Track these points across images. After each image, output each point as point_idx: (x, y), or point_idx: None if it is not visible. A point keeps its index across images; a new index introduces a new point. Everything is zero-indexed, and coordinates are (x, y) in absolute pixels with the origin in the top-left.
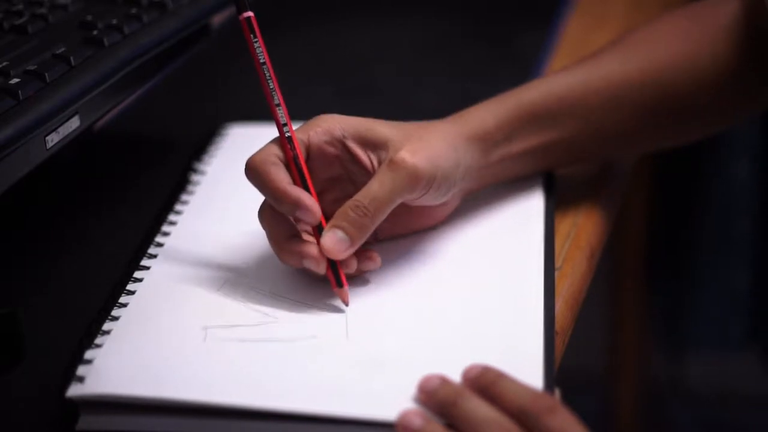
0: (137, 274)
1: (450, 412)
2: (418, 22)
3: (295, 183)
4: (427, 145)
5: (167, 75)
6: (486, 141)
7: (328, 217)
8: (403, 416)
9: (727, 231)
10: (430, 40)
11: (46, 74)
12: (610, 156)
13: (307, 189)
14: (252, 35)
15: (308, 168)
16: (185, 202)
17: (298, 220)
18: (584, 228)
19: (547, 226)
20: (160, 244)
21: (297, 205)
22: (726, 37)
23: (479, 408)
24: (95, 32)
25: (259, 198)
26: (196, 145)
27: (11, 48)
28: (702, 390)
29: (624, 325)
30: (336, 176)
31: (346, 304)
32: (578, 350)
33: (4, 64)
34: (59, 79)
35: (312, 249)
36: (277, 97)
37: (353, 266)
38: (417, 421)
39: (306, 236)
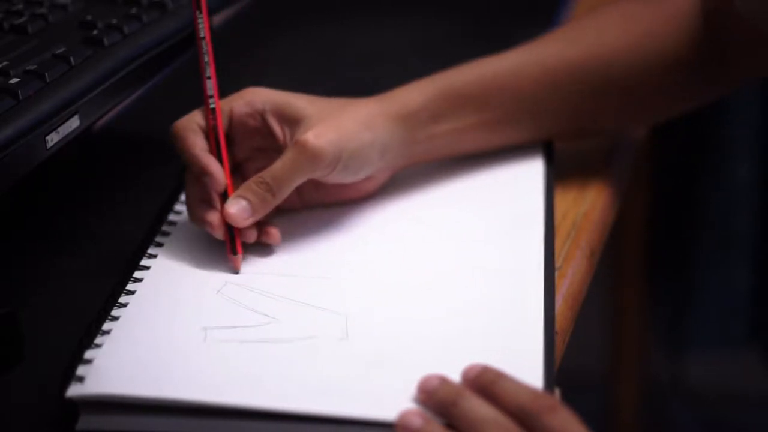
0: (137, 274)
1: (450, 412)
2: (418, 22)
3: (211, 151)
4: (337, 126)
5: (167, 75)
6: (410, 120)
7: None
8: (403, 416)
9: (727, 230)
10: (430, 40)
11: (46, 74)
12: (549, 138)
13: (220, 158)
14: (198, 11)
15: (231, 138)
16: (185, 202)
17: (207, 185)
18: (584, 228)
19: (547, 225)
20: (160, 244)
21: (204, 171)
22: (681, 21)
23: (479, 408)
24: (95, 32)
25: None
26: None
27: (11, 48)
28: (702, 390)
29: (624, 325)
30: (260, 146)
31: (237, 272)
32: (578, 350)
33: (4, 64)
34: (59, 79)
35: (214, 216)
36: (209, 71)
37: (252, 237)
38: (417, 421)
39: (216, 203)
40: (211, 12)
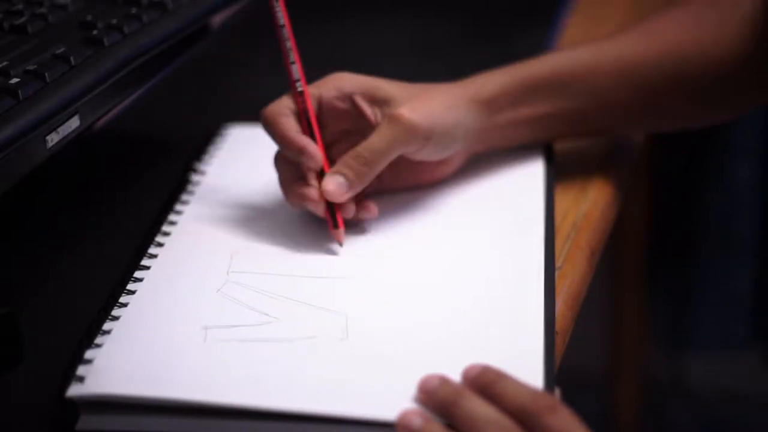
0: (137, 274)
1: (450, 412)
2: (418, 22)
3: (304, 133)
4: (427, 103)
5: (167, 75)
6: (489, 104)
7: None
8: (403, 416)
9: (727, 231)
10: (430, 40)
11: (46, 74)
12: (619, 131)
13: (313, 138)
14: (275, 0)
15: (319, 121)
16: (185, 202)
17: (303, 165)
18: (584, 228)
19: (547, 225)
20: (160, 244)
21: (301, 150)
22: (744, 25)
23: (479, 408)
24: (95, 32)
25: (260, 197)
26: (196, 145)
27: (11, 48)
28: (702, 390)
29: (624, 325)
30: (346, 129)
31: (341, 245)
32: (578, 350)
33: (4, 64)
34: (59, 79)
35: (312, 192)
36: (293, 56)
37: (351, 212)
38: (417, 421)
39: (313, 182)
40: (212, 12)
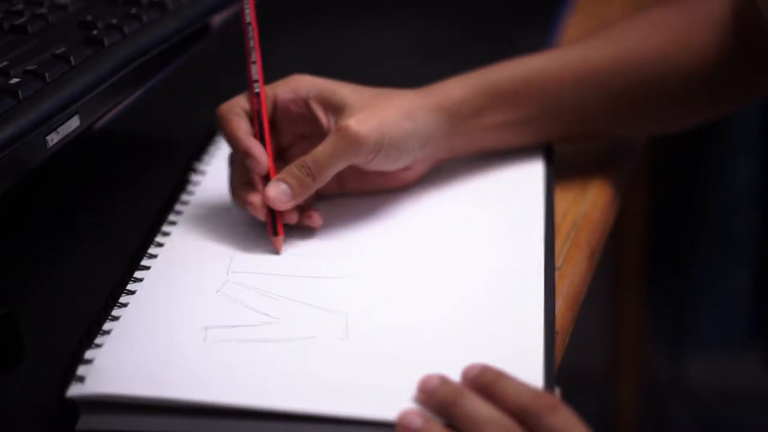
0: (137, 274)
1: (450, 412)
2: (418, 22)
3: (255, 135)
4: (380, 114)
5: (167, 75)
6: (450, 112)
7: None
8: (403, 416)
9: (727, 230)
10: (430, 40)
11: (46, 74)
12: (592, 138)
13: (263, 141)
14: None
15: (275, 123)
16: (185, 202)
17: (249, 168)
18: (584, 228)
19: (547, 225)
20: (160, 244)
21: (246, 153)
22: (712, 29)
23: (479, 407)
24: (95, 32)
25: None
26: (196, 145)
27: (11, 48)
28: (702, 390)
29: (624, 325)
30: (304, 133)
31: (278, 252)
32: (578, 350)
33: (4, 64)
34: (59, 79)
35: (255, 197)
36: (255, 56)
37: (294, 218)
38: (417, 421)
39: (259, 186)
40: (212, 12)
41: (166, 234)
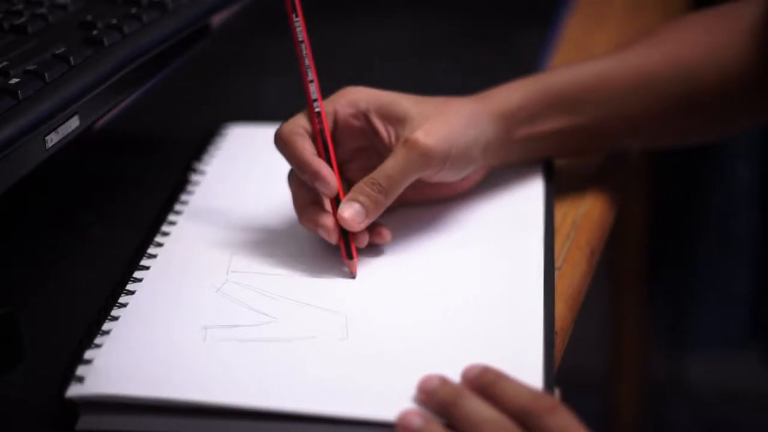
0: (137, 274)
1: (450, 412)
2: (418, 22)
3: (319, 155)
4: (445, 124)
5: (167, 75)
6: (508, 119)
7: (354, 183)
8: (403, 416)
9: (727, 230)
10: (430, 40)
11: (46, 74)
12: (636, 146)
13: (329, 161)
14: (294, 14)
15: (334, 138)
16: (185, 202)
17: (318, 190)
18: (584, 228)
19: (547, 226)
20: (160, 244)
21: (316, 176)
22: (750, 38)
23: (479, 408)
24: (95, 32)
25: (260, 197)
26: (196, 145)
27: (11, 48)
28: (702, 390)
29: (624, 325)
30: (363, 146)
31: (354, 276)
32: (578, 350)
33: (4, 64)
34: (59, 79)
35: (328, 219)
36: (311, 75)
37: (365, 241)
38: (417, 421)
39: (327, 207)
40: (212, 12)
41: (166, 234)
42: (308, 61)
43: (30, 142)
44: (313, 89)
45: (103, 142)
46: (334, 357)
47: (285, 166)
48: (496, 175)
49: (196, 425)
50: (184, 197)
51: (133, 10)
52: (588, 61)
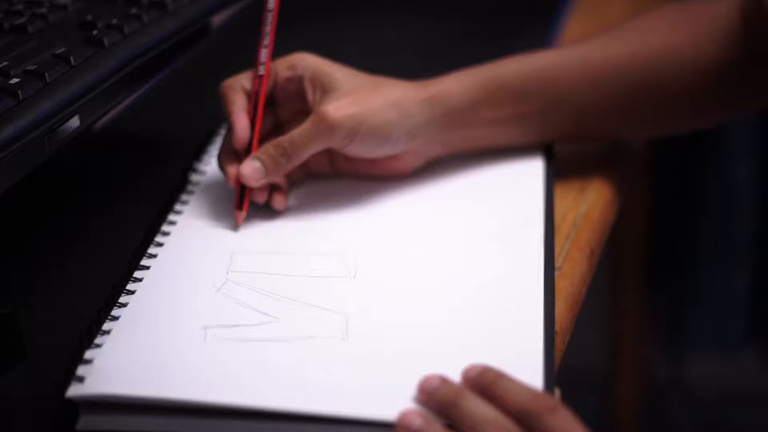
0: (137, 274)
1: (450, 412)
2: (418, 22)
3: (250, 111)
4: (362, 101)
5: (167, 75)
6: (444, 104)
7: None
8: (403, 416)
9: (726, 231)
10: (430, 40)
11: (46, 74)
12: (597, 137)
13: (254, 119)
14: None
15: (273, 98)
16: (185, 202)
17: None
18: (584, 228)
19: (547, 225)
20: (160, 244)
21: (231, 126)
22: (718, 34)
23: (479, 408)
24: (95, 32)
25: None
26: (196, 145)
27: (11, 48)
28: (702, 390)
29: (624, 325)
30: (302, 109)
31: (238, 226)
32: (578, 350)
33: (4, 64)
34: (59, 79)
35: (232, 168)
36: (268, 41)
37: (262, 198)
38: (417, 421)
39: (243, 159)
40: (212, 12)
41: (166, 234)
42: (269, 28)
43: (30, 142)
44: (264, 54)
45: (103, 142)
46: (334, 357)
47: None
48: (496, 171)
49: (196, 425)
50: (184, 197)
51: (133, 10)
52: (540, 53)
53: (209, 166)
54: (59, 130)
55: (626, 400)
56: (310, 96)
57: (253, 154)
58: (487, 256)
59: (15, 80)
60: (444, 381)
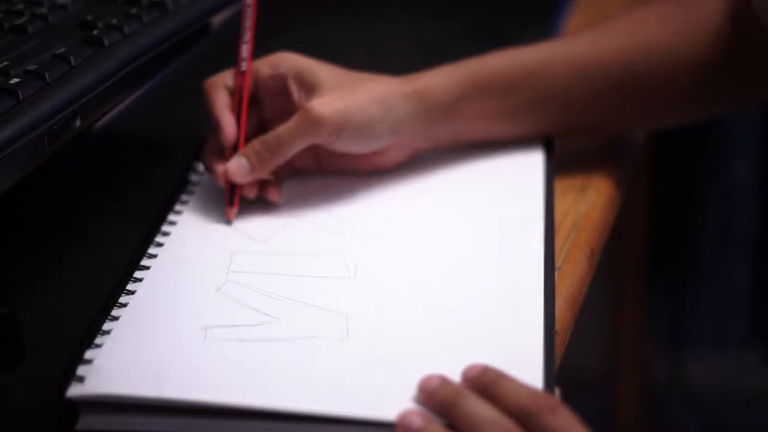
0: (137, 274)
1: (450, 412)
2: (418, 22)
3: (233, 110)
4: (347, 97)
5: (167, 75)
6: (428, 98)
7: None
8: (404, 416)
9: (726, 230)
10: (430, 40)
11: (46, 74)
12: (580, 131)
13: (238, 116)
14: None
15: (256, 97)
16: (185, 202)
17: (218, 139)
18: (584, 228)
19: (547, 225)
20: (160, 244)
21: (216, 125)
22: (706, 29)
23: (479, 408)
24: (95, 32)
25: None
26: (196, 145)
27: (11, 48)
28: (702, 390)
29: (624, 325)
30: (285, 107)
31: (229, 222)
32: (578, 350)
33: (4, 64)
34: (59, 79)
35: (219, 166)
36: (248, 36)
37: (252, 193)
38: (417, 421)
39: (228, 156)
40: (212, 12)
41: (166, 234)
42: (248, 23)
43: (30, 142)
44: (245, 49)
45: (104, 142)
46: (334, 357)
47: None
48: (496, 167)
49: (196, 425)
50: (184, 197)
51: (133, 10)
52: (524, 47)
53: None
54: (59, 130)
55: (626, 400)
56: (294, 94)
57: (240, 151)
58: (488, 256)
59: (15, 80)
60: (444, 381)
